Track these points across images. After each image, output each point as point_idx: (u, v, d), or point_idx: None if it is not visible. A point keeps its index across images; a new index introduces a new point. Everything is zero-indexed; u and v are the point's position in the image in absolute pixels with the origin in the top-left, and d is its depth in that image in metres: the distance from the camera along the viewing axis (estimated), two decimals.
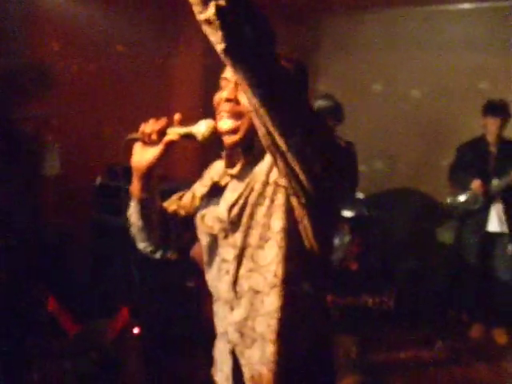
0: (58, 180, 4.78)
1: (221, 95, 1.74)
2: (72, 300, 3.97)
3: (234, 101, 1.70)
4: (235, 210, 1.71)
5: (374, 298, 4.11)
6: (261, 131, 1.51)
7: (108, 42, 5.22)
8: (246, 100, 1.63)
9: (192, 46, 5.95)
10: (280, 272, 1.66)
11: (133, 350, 3.79)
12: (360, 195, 5.17)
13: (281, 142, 1.48)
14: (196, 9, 1.31)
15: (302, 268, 1.69)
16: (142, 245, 1.98)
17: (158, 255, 2.00)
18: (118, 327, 3.66)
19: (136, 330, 3.75)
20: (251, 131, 1.68)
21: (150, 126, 1.76)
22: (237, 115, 1.70)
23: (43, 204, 4.70)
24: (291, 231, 1.65)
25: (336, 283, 4.02)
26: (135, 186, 1.85)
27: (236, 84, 1.70)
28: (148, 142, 1.77)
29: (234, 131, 1.71)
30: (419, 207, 6.09)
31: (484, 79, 6.05)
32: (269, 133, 1.48)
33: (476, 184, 5.06)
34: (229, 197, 1.76)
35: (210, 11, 1.28)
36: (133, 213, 1.90)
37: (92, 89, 5.14)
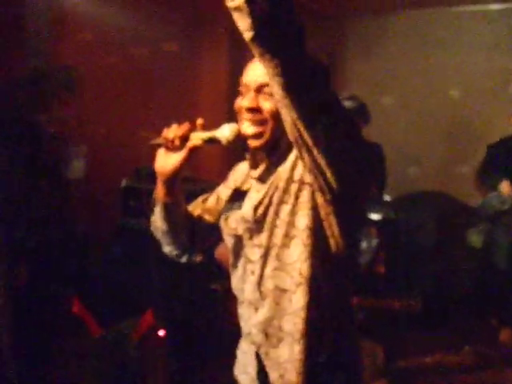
0: (84, 182, 4.80)
1: (241, 103, 1.72)
2: (97, 302, 3.98)
3: (256, 110, 1.68)
4: (260, 210, 1.70)
5: (402, 302, 4.06)
6: (287, 123, 1.49)
7: (134, 44, 5.24)
8: (269, 105, 1.65)
9: (218, 47, 5.96)
10: (305, 270, 1.64)
11: (157, 352, 3.78)
12: (387, 198, 5.13)
13: (306, 134, 1.45)
14: None
15: (327, 267, 1.67)
16: (167, 248, 1.97)
17: (183, 259, 1.99)
18: (143, 330, 3.65)
19: (161, 333, 3.74)
20: (276, 134, 1.67)
21: (172, 132, 1.73)
22: (260, 122, 1.69)
23: (69, 206, 4.71)
24: (317, 229, 1.63)
25: (363, 287, 3.98)
26: (159, 191, 1.84)
27: (256, 91, 1.68)
28: (171, 147, 1.74)
29: (258, 136, 1.69)
30: (447, 210, 6.01)
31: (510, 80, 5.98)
32: (295, 125, 1.46)
33: (504, 185, 4.99)
34: (254, 197, 1.75)
35: None
36: (158, 217, 1.88)
37: (118, 91, 5.15)
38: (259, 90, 1.67)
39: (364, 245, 4.20)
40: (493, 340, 5.13)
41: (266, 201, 1.70)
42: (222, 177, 2.03)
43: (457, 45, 6.26)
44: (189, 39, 5.91)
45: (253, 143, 1.71)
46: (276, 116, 1.63)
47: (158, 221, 1.89)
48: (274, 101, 1.60)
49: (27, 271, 3.93)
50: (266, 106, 1.66)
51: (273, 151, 1.72)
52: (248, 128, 1.69)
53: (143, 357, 3.68)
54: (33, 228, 3.94)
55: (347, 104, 4.76)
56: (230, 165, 2.03)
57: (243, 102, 1.71)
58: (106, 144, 5.01)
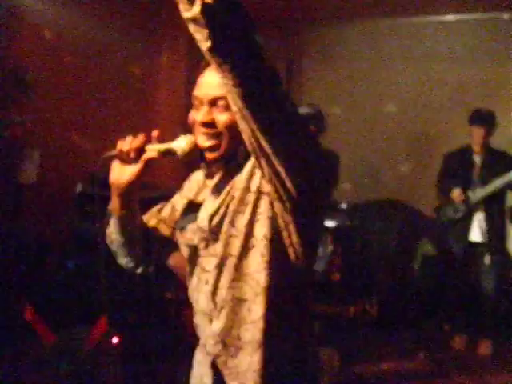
0: (37, 187, 4.72)
1: (195, 117, 1.70)
2: (50, 309, 3.92)
3: (211, 123, 1.67)
4: (216, 219, 1.68)
5: (357, 308, 4.09)
6: (245, 134, 1.48)
7: (89, 48, 5.18)
8: (224, 118, 1.64)
9: (177, 56, 5.94)
10: (263, 280, 1.63)
11: (111, 360, 3.73)
12: (343, 205, 5.16)
13: (265, 143, 1.45)
14: (182, 7, 1.29)
15: (286, 276, 1.66)
16: (123, 260, 1.92)
17: (139, 270, 1.95)
18: (96, 337, 3.61)
19: (115, 340, 3.69)
20: (232, 145, 1.66)
21: (127, 144, 1.70)
22: (215, 135, 1.67)
23: (22, 211, 4.63)
24: (275, 239, 1.62)
25: (318, 293, 4.00)
26: (115, 204, 1.79)
27: (210, 105, 1.67)
28: (126, 159, 1.71)
29: (214, 148, 1.68)
30: (403, 218, 6.08)
31: (468, 90, 6.07)
32: (254, 135, 1.45)
33: (455, 193, 5.06)
34: (209, 206, 1.73)
35: (196, 9, 1.26)
36: (113, 230, 1.85)
37: (72, 95, 5.09)
38: (213, 103, 1.66)
39: (319, 252, 4.22)
40: (446, 346, 5.20)
41: (221, 210, 1.68)
42: (178, 182, 2.01)
43: (413, 54, 6.34)
44: (147, 48, 5.87)
45: (209, 155, 1.70)
46: (231, 128, 1.62)
47: (113, 233, 1.85)
48: (229, 113, 1.60)
49: None
50: (221, 118, 1.65)
51: (229, 161, 1.71)
52: (204, 142, 1.68)
53: (97, 364, 3.64)
54: None
55: (304, 110, 4.79)
56: (190, 171, 2.01)
57: (197, 116, 1.69)
58: (60, 148, 4.94)
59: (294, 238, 1.63)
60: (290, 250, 1.64)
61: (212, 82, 1.64)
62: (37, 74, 4.31)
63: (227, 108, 1.62)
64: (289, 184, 1.51)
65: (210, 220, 1.69)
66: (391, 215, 6.04)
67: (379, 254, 5.77)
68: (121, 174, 1.73)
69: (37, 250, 4.66)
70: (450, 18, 6.28)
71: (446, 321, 5.46)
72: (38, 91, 4.35)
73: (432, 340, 5.31)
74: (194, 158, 1.72)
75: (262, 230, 1.63)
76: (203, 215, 1.73)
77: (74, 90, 5.11)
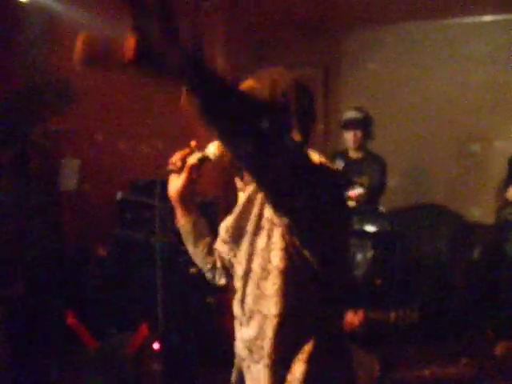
0: (79, 195, 4.79)
1: None
2: (91, 316, 3.96)
3: None
4: (231, 232, 1.82)
5: (398, 313, 4.06)
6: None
7: None
8: None
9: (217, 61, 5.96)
10: (279, 305, 1.69)
11: (152, 365, 3.76)
12: (382, 209, 5.11)
13: (269, 194, 1.56)
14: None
15: (302, 300, 1.71)
16: (207, 275, 2.06)
17: (216, 281, 2.06)
18: (138, 343, 3.64)
19: (156, 346, 3.72)
20: None
21: (175, 157, 1.91)
22: None
23: (62, 218, 4.70)
24: (288, 269, 1.68)
25: (359, 299, 3.98)
26: (178, 216, 1.99)
27: None
28: (177, 171, 1.91)
29: None
30: (447, 222, 6.01)
31: (508, 92, 5.99)
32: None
33: (510, 193, 5.00)
34: (228, 219, 1.86)
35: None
36: (184, 242, 2.02)
37: (112, 104, 5.15)
38: None
39: (359, 257, 4.19)
40: (489, 352, 5.12)
41: (236, 225, 1.80)
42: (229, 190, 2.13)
43: (452, 56, 6.28)
44: None
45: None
46: None
47: (188, 246, 2.01)
48: None
49: (23, 283, 3.93)
50: None
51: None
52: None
53: (139, 369, 3.67)
54: (28, 241, 3.93)
55: (352, 115, 4.77)
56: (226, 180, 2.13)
57: None
58: (100, 157, 5.00)
59: (311, 259, 1.66)
60: (310, 272, 1.68)
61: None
62: (78, 83, 4.37)
63: None
64: (294, 216, 1.59)
65: (227, 231, 1.83)
66: (435, 219, 5.98)
67: (421, 259, 5.71)
68: (174, 185, 1.94)
69: (77, 256, 4.72)
70: (487, 18, 6.21)
71: (490, 326, 5.38)
72: (79, 101, 4.41)
73: (475, 346, 5.24)
74: (226, 161, 1.85)
75: (275, 259, 1.69)
76: (222, 226, 1.87)
77: (115, 99, 5.16)
